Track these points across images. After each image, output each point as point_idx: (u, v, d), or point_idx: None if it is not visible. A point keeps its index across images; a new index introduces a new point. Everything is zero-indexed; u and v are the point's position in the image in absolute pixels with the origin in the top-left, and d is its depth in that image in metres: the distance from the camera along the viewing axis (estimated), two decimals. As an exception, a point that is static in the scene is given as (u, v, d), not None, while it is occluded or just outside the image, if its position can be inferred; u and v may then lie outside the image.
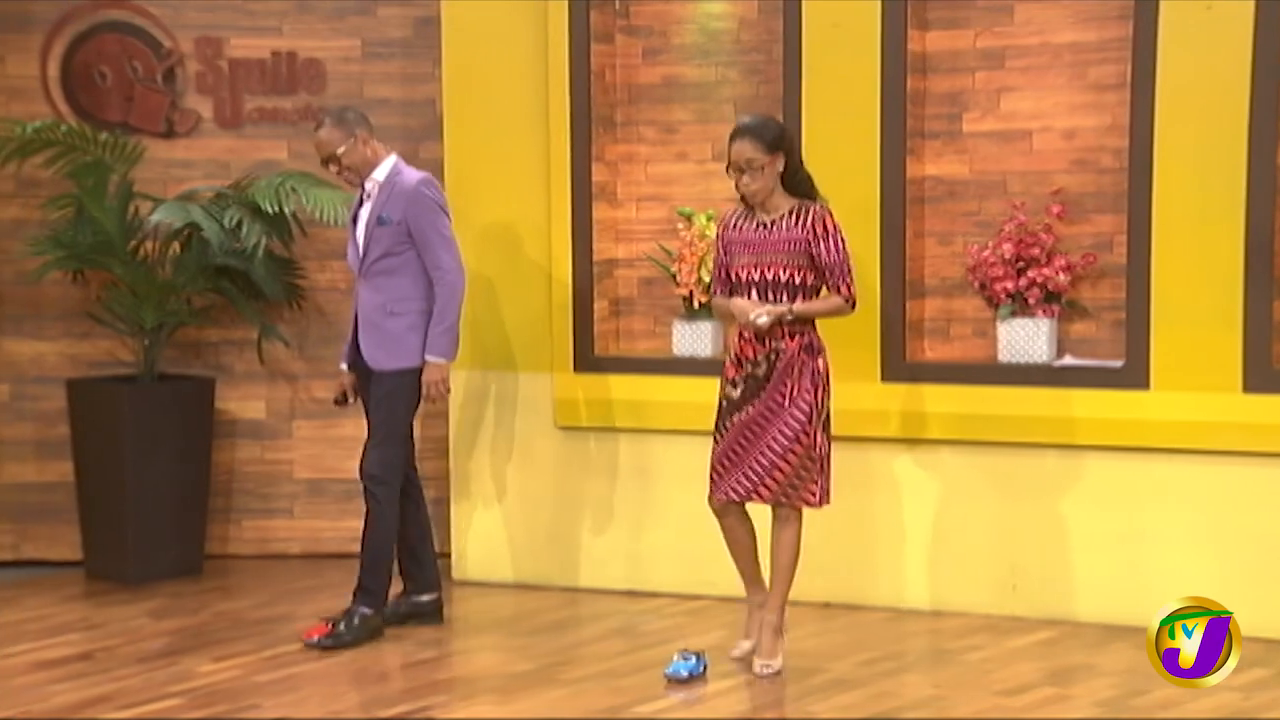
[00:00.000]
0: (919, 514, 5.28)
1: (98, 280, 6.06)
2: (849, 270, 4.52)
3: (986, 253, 5.19)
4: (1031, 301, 5.13)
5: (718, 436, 4.59)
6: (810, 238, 4.47)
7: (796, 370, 4.48)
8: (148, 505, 5.83)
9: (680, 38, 5.70)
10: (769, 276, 4.49)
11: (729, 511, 4.61)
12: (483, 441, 5.82)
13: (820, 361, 4.53)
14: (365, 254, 5.05)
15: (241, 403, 6.21)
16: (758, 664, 4.55)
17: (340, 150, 4.98)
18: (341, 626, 4.97)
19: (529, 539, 5.77)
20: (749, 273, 4.52)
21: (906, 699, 4.39)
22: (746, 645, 4.65)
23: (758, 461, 4.50)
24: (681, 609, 5.39)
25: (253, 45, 6.17)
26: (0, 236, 6.11)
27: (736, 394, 4.54)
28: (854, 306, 4.56)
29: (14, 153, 5.80)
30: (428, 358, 5.02)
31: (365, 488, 5.07)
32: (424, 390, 5.05)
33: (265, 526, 6.26)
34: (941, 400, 5.21)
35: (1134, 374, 4.97)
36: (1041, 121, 5.24)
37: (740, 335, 4.55)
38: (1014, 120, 5.26)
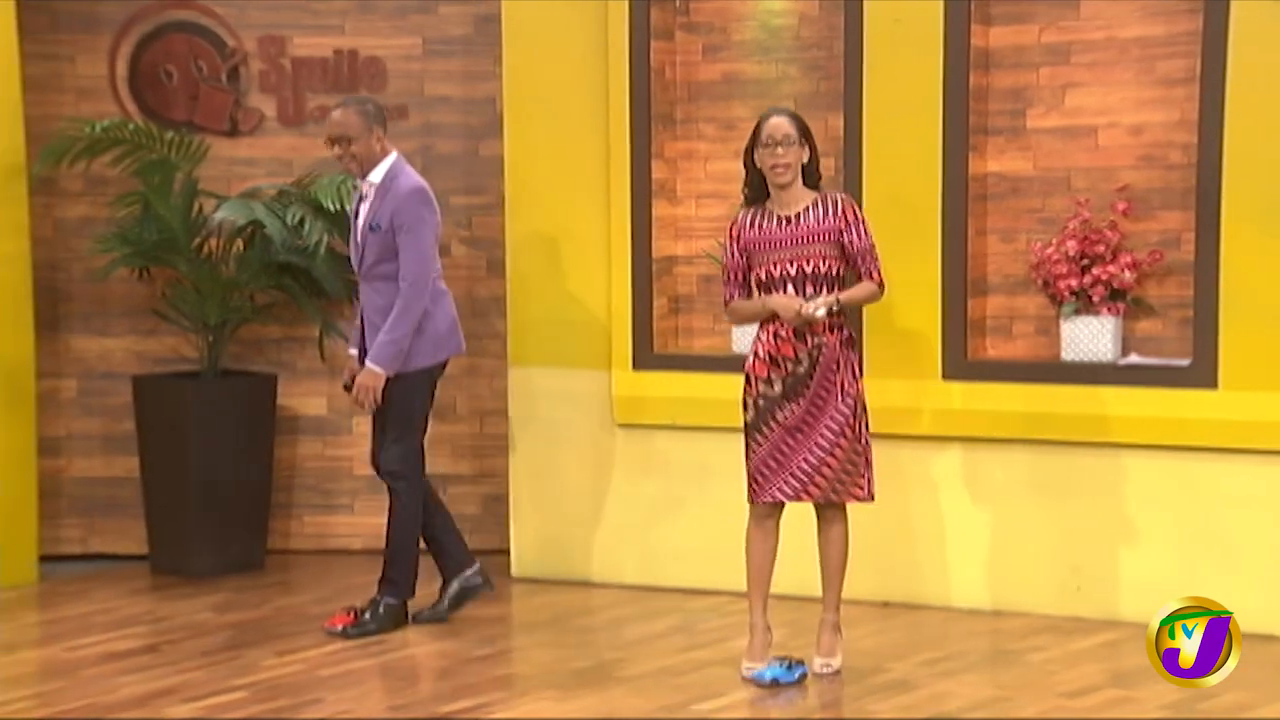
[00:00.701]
0: (980, 513, 5.23)
1: (163, 277, 6.13)
2: (877, 256, 4.50)
3: (1050, 250, 5.14)
4: (1096, 299, 5.07)
5: (759, 439, 4.48)
6: (842, 225, 4.45)
7: (840, 364, 4.45)
8: (211, 500, 5.90)
9: (740, 34, 5.68)
10: (806, 270, 4.44)
11: (770, 515, 4.53)
12: (542, 439, 5.83)
13: (857, 354, 4.52)
14: (363, 256, 5.11)
15: (303, 399, 6.27)
16: (819, 662, 4.52)
17: (354, 137, 5.02)
18: (367, 615, 5.06)
19: (588, 536, 5.78)
20: (783, 269, 4.46)
21: (968, 700, 4.35)
22: (759, 669, 4.47)
23: (806, 460, 4.45)
24: (740, 606, 5.34)
25: (315, 44, 6.22)
26: (68, 234, 6.21)
27: (776, 391, 4.46)
28: (884, 290, 4.55)
29: (83, 151, 5.88)
30: (368, 364, 5.03)
31: (387, 484, 5.15)
32: (354, 393, 5.08)
33: (326, 522, 6.31)
34: (1003, 399, 5.17)
35: (1201, 373, 4.90)
36: (1108, 117, 5.18)
37: (776, 334, 4.46)
38: (1079, 116, 5.20)
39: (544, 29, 5.74)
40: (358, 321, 5.23)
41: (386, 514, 5.18)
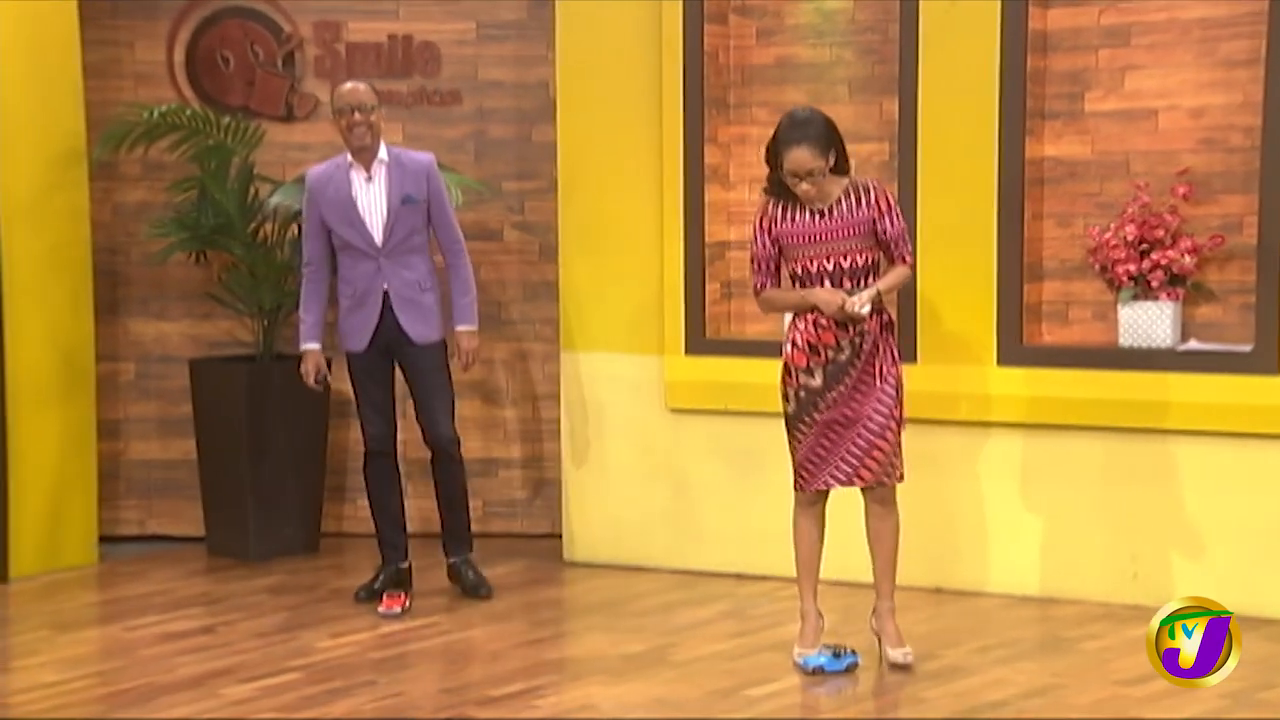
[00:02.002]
0: (1035, 499, 5.19)
1: (219, 262, 6.19)
2: (908, 239, 4.48)
3: (1108, 235, 5.08)
4: (1155, 284, 5.01)
5: (802, 429, 4.43)
6: (876, 215, 4.39)
7: (881, 349, 4.42)
8: (266, 483, 5.95)
9: (794, 18, 5.64)
10: (845, 265, 4.38)
11: (816, 502, 4.50)
12: (594, 424, 5.84)
13: (895, 337, 4.50)
14: (391, 232, 5.17)
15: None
16: (899, 653, 4.43)
17: (376, 106, 5.15)
18: (476, 581, 5.35)
19: (640, 521, 5.78)
20: (819, 264, 4.40)
21: (1022, 687, 4.32)
22: (812, 655, 4.45)
23: (855, 444, 4.41)
24: (791, 593, 5.32)
25: (370, 29, 6.24)
26: (126, 219, 6.27)
27: (817, 382, 4.41)
28: (914, 271, 4.55)
29: (141, 136, 5.94)
30: (464, 327, 5.30)
31: (448, 453, 5.35)
32: (464, 359, 5.30)
33: (380, 505, 6.33)
34: (1060, 384, 5.11)
35: (1263, 358, 4.82)
36: (1168, 100, 5.10)
37: (816, 323, 4.40)
38: (1139, 99, 5.13)
39: (597, 13, 5.73)
40: (315, 310, 5.25)
41: (443, 483, 5.37)
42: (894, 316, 4.57)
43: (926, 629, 4.83)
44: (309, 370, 5.32)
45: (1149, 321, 5.05)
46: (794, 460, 4.51)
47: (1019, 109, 5.14)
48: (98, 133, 5.96)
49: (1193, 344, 5.04)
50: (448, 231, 5.28)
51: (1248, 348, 4.89)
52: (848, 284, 4.42)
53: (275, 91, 6.28)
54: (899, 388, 4.44)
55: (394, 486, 5.42)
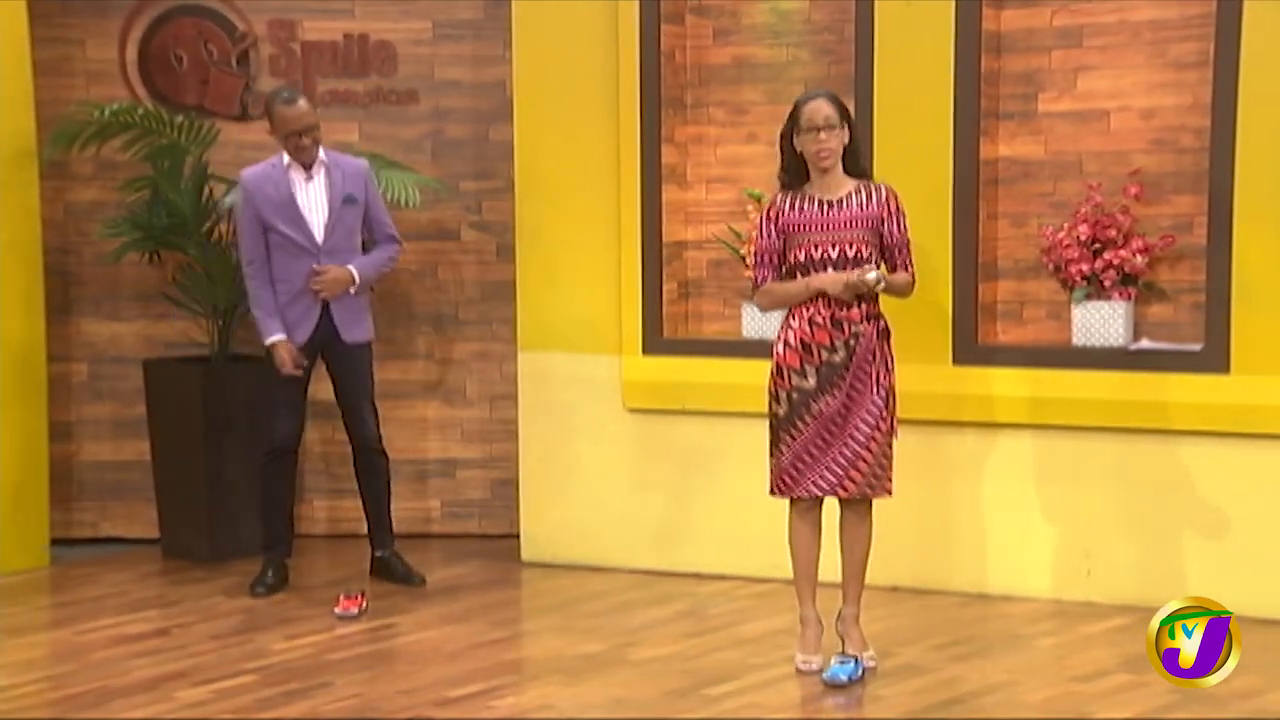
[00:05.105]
0: (990, 498, 5.23)
1: (173, 261, 6.14)
2: (911, 251, 4.46)
3: (1061, 234, 5.12)
4: (1107, 284, 5.05)
5: (793, 433, 4.36)
6: (884, 214, 4.38)
7: (876, 355, 4.36)
8: (221, 484, 5.91)
9: (751, 18, 5.66)
10: (849, 254, 4.35)
11: (812, 508, 4.44)
12: (552, 424, 5.83)
13: (890, 345, 4.46)
14: (332, 231, 5.31)
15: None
16: (863, 657, 4.43)
17: (319, 127, 5.31)
18: (405, 571, 5.53)
19: (597, 521, 5.78)
20: (824, 251, 4.36)
21: (978, 684, 4.35)
22: (816, 661, 4.45)
23: (841, 454, 4.35)
24: (750, 592, 5.38)
25: (325, 28, 6.21)
26: (79, 218, 6.21)
27: (810, 384, 4.35)
28: (914, 287, 4.51)
29: (93, 135, 5.89)
30: (351, 267, 5.33)
31: (378, 450, 5.53)
32: (324, 280, 5.28)
33: (337, 506, 6.31)
34: (1014, 384, 5.15)
35: (1213, 357, 4.88)
36: (1119, 101, 5.15)
37: (811, 320, 4.36)
38: (1091, 100, 5.18)
39: (554, 13, 5.72)
40: (269, 302, 5.31)
41: (373, 480, 5.56)
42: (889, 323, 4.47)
43: (883, 627, 4.85)
44: (285, 359, 5.32)
45: (1102, 321, 5.09)
46: (776, 465, 4.40)
47: (973, 109, 5.17)
48: (48, 132, 5.90)
49: (1144, 343, 5.10)
50: (383, 228, 5.47)
51: (1198, 347, 4.95)
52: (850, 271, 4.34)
53: (229, 90, 6.23)
54: (890, 398, 4.38)
55: (292, 485, 5.59)
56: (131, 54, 6.21)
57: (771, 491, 4.46)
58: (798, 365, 4.38)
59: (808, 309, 4.37)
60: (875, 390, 4.36)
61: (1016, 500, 5.20)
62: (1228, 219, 4.84)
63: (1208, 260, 4.92)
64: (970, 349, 5.21)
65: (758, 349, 5.47)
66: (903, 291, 4.49)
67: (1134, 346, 5.08)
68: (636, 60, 5.56)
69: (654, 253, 5.62)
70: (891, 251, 4.42)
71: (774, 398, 4.42)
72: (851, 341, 4.35)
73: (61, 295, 6.18)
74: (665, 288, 5.65)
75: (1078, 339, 5.15)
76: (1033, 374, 5.14)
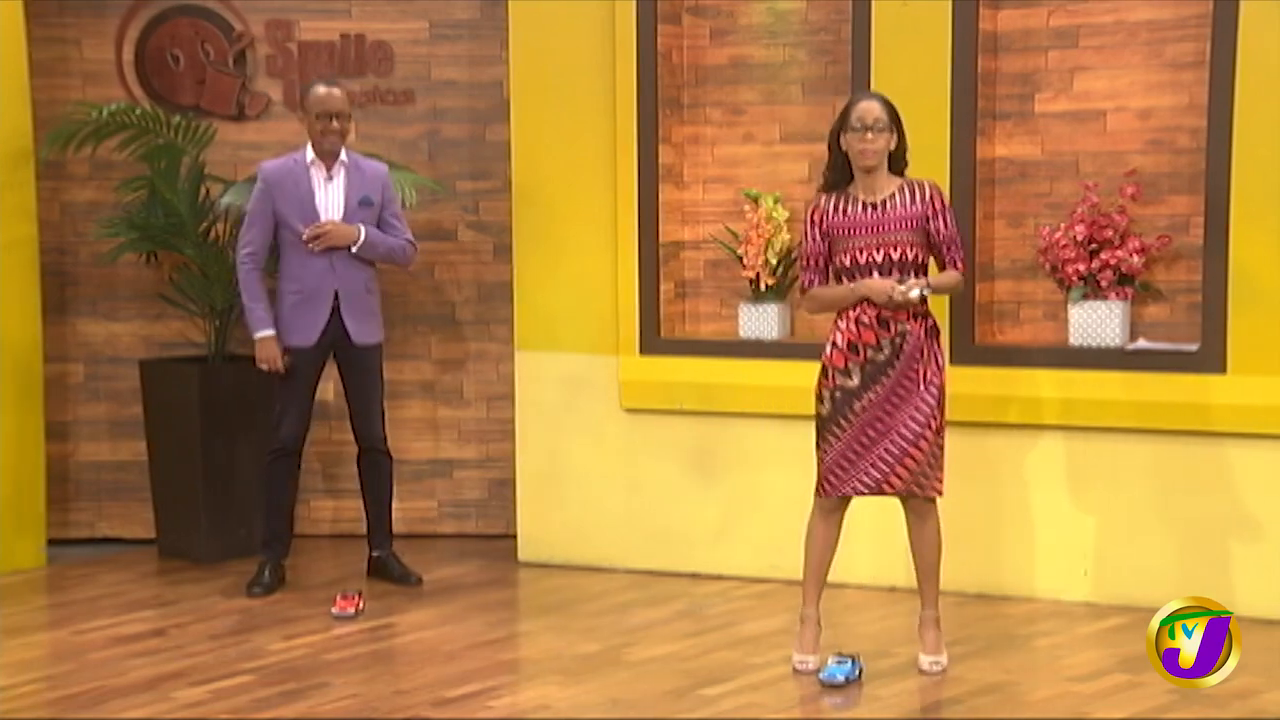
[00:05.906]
0: (988, 499, 5.23)
1: (169, 262, 6.14)
2: (960, 245, 4.44)
3: (1058, 234, 5.12)
4: (1104, 284, 5.06)
5: (835, 431, 4.34)
6: (930, 213, 4.35)
7: (925, 353, 4.34)
8: (218, 484, 5.91)
9: (748, 18, 5.66)
10: (894, 256, 4.32)
11: (837, 509, 4.42)
12: (548, 424, 5.83)
13: (940, 343, 4.42)
14: None
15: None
16: (928, 660, 4.42)
17: (350, 117, 5.35)
18: (402, 572, 5.51)
19: (594, 521, 5.78)
20: (869, 255, 4.33)
21: (975, 684, 4.35)
22: (812, 661, 4.45)
23: (887, 450, 4.32)
24: (747, 592, 5.39)
25: (322, 28, 6.21)
26: (76, 219, 6.21)
27: (854, 383, 4.33)
28: (965, 281, 4.54)
29: (90, 136, 5.88)
30: (359, 225, 5.30)
31: (382, 451, 5.54)
32: (318, 228, 5.24)
33: (335, 506, 6.32)
34: (1011, 384, 5.16)
35: (1210, 358, 4.89)
36: (1116, 101, 5.16)
37: (858, 320, 4.34)
38: (1088, 100, 5.19)
39: (551, 13, 5.72)
40: (262, 297, 5.32)
41: (376, 480, 5.56)
42: (938, 322, 4.46)
43: (880, 627, 4.86)
44: (271, 356, 5.31)
45: (1099, 321, 5.10)
46: (821, 465, 4.40)
47: (970, 109, 5.18)
48: (45, 132, 5.90)
49: (1141, 343, 5.10)
50: (399, 234, 5.48)
51: (1194, 347, 4.95)
52: (897, 275, 4.34)
53: (226, 91, 6.23)
54: (941, 396, 4.36)
55: (295, 485, 5.60)
56: (128, 54, 6.21)
57: (818, 492, 4.43)
58: (843, 365, 4.37)
59: (854, 310, 4.37)
60: (925, 388, 4.34)
61: (1014, 500, 5.21)
62: (1224, 219, 4.85)
63: (1204, 260, 4.92)
64: (967, 349, 5.21)
65: (754, 349, 5.50)
66: (954, 290, 4.51)
67: (1131, 347, 5.09)
68: (633, 60, 5.56)
69: (651, 253, 5.62)
70: (940, 249, 4.40)
71: (819, 398, 4.41)
72: (898, 340, 4.34)
73: (58, 295, 6.17)
74: (662, 288, 5.66)
75: (1074, 339, 5.15)
76: (1029, 374, 5.14)
